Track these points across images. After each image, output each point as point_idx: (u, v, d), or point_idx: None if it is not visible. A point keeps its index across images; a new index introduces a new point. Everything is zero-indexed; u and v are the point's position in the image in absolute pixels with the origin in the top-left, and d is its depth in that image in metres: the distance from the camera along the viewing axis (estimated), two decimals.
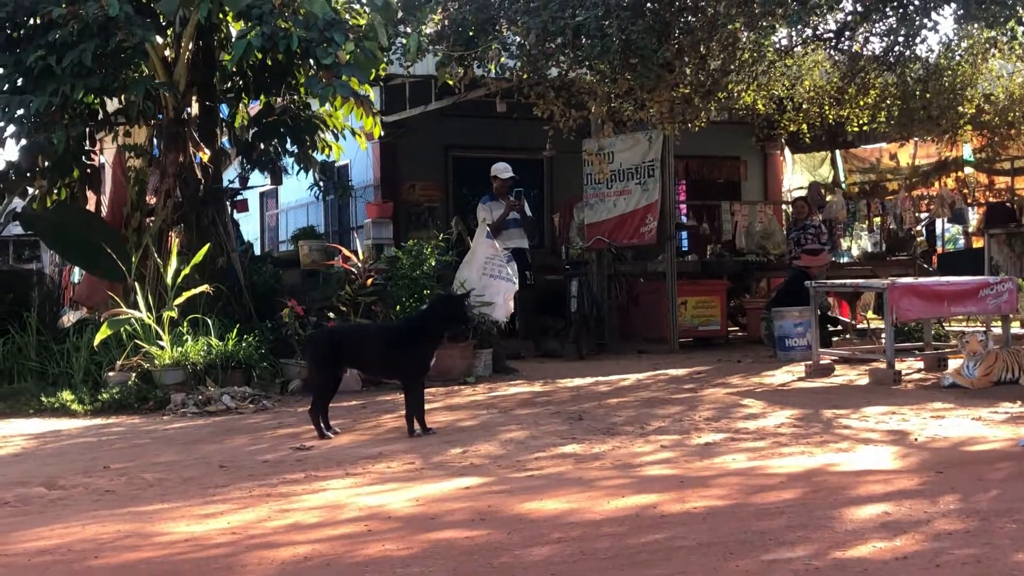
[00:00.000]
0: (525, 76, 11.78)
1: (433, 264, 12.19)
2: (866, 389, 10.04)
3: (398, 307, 12.04)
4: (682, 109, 12.03)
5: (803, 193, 18.83)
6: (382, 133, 13.22)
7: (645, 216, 14.44)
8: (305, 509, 5.71)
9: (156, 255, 11.74)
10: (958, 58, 14.02)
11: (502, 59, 11.69)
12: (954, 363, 10.53)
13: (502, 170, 13.55)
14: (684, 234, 18.50)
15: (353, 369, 8.56)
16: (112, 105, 12.55)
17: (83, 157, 12.63)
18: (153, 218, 12.40)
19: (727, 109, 14.44)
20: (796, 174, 20.72)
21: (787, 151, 20.13)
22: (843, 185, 19.61)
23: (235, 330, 11.03)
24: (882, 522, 5.01)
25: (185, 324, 11.06)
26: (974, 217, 18.49)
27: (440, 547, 4.80)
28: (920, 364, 11.38)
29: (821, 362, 11.14)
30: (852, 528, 4.92)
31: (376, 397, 10.69)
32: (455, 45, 11.49)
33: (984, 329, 11.72)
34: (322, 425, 8.10)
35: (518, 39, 11.41)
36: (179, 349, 10.72)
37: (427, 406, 9.83)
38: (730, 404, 9.28)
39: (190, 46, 12.09)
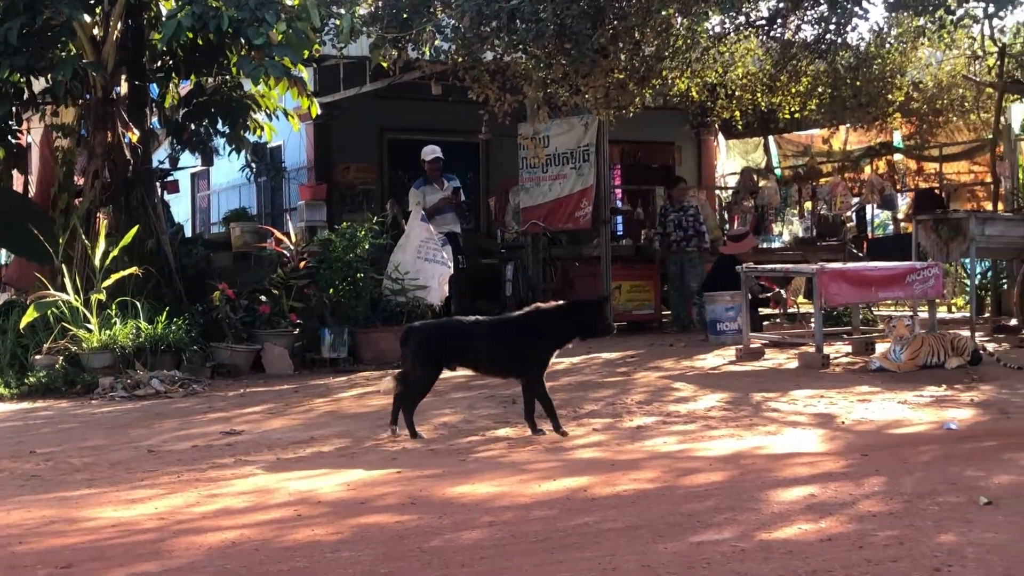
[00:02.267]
0: (460, 59, 11.72)
1: (367, 247, 12.14)
2: (795, 373, 10.16)
3: (331, 290, 11.99)
4: (617, 94, 12.05)
5: (735, 178, 19.06)
6: (319, 112, 13.11)
7: (580, 200, 14.47)
8: (234, 494, 5.67)
9: (84, 237, 11.56)
10: (888, 46, 14.19)
11: (436, 42, 11.62)
12: (881, 347, 10.69)
13: (429, 153, 13.60)
14: (619, 219, 18.55)
15: (462, 367, 7.64)
16: (39, 84, 12.33)
17: (9, 136, 12.41)
18: (81, 199, 12.22)
19: (662, 95, 14.49)
20: (730, 159, 20.88)
21: (720, 137, 20.27)
22: (776, 170, 19.79)
23: (165, 313, 10.92)
24: (808, 504, 5.07)
25: (114, 307, 10.92)
26: (903, 203, 18.76)
27: (370, 531, 4.79)
28: (848, 348, 11.54)
29: (751, 346, 11.26)
30: (778, 510, 4.98)
31: (308, 381, 10.65)
32: (389, 27, 11.40)
33: (911, 314, 11.91)
34: (405, 421, 7.29)
35: (452, 22, 11.35)
36: (107, 332, 10.59)
37: (360, 390, 9.84)
38: (662, 387, 9.35)
39: (119, 25, 11.87)
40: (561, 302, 7.63)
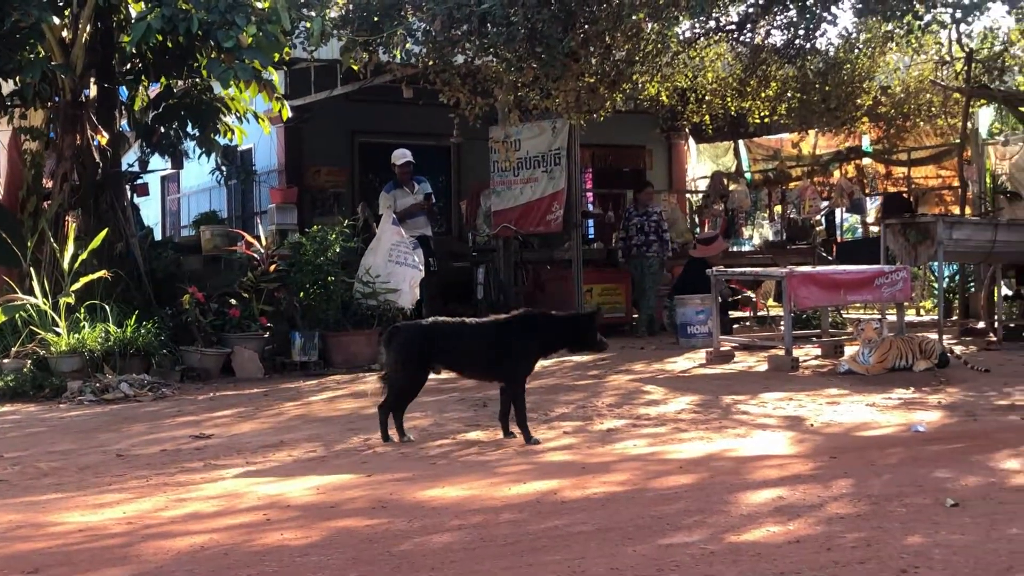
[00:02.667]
0: (431, 63, 11.74)
1: (338, 250, 12.11)
2: (765, 375, 10.21)
3: (301, 293, 11.96)
4: (588, 98, 12.08)
5: (705, 182, 19.15)
6: (290, 115, 13.08)
7: (551, 204, 14.48)
8: (203, 498, 5.64)
9: (52, 240, 11.49)
10: (857, 51, 14.29)
11: (407, 45, 11.63)
12: (850, 350, 10.75)
13: (399, 157, 13.57)
14: (590, 222, 18.61)
15: (446, 369, 7.47)
16: (7, 86, 12.24)
17: None
18: (50, 202, 12.13)
19: (632, 99, 14.54)
20: (700, 163, 20.97)
21: (691, 141, 20.36)
22: (746, 174, 19.90)
23: (134, 316, 10.86)
24: (776, 506, 5.10)
25: (82, 310, 10.85)
26: (872, 207, 18.89)
27: (339, 535, 4.78)
28: (817, 351, 11.60)
29: (721, 349, 11.31)
30: (747, 512, 5.00)
31: (279, 385, 10.61)
32: (359, 30, 11.40)
33: (879, 317, 11.99)
34: (391, 428, 7.17)
35: (423, 25, 11.36)
36: (76, 336, 10.52)
37: (331, 394, 9.83)
38: (632, 390, 9.38)
39: (88, 27, 11.81)
40: (554, 312, 7.61)
